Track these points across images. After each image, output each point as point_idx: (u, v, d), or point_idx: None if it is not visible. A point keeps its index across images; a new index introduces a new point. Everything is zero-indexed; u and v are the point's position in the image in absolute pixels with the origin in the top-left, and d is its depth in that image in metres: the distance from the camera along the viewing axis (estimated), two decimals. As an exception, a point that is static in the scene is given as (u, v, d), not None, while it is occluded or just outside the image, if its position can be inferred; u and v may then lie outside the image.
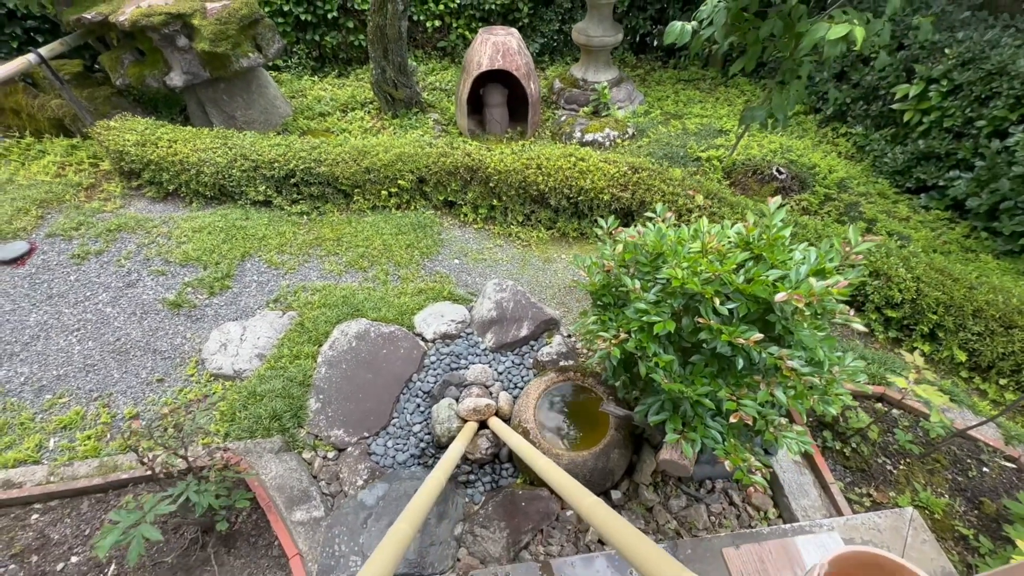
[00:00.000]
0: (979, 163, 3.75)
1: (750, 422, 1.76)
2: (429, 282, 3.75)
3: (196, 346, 3.36)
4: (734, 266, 1.86)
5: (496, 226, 4.16)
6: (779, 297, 1.65)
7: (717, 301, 1.78)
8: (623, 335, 2.02)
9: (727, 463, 1.88)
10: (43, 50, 4.34)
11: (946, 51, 4.00)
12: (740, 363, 1.79)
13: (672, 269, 1.88)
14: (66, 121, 4.92)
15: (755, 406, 1.79)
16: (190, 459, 2.27)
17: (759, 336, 1.70)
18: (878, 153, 4.52)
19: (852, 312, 1.88)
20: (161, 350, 3.34)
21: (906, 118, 4.27)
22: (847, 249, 1.88)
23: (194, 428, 2.14)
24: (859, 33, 2.44)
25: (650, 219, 2.42)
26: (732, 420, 1.76)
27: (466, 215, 4.18)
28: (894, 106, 4.37)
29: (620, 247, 2.15)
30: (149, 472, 2.36)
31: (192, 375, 3.19)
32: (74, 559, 2.38)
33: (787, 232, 1.97)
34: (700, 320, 1.82)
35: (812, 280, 1.72)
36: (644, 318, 1.94)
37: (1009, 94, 3.59)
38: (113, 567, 2.36)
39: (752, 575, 1.76)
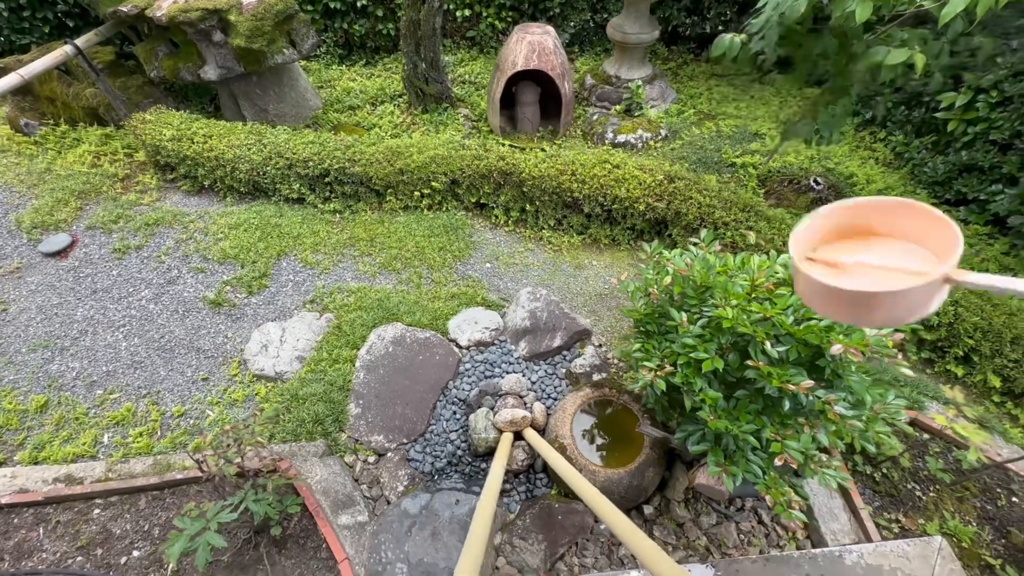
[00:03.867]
0: (1025, 179, 3.67)
1: (793, 464, 1.81)
2: (462, 286, 3.79)
3: (238, 346, 3.47)
4: (784, 307, 1.89)
5: (527, 229, 4.17)
6: (835, 350, 1.67)
7: (768, 344, 1.81)
8: (668, 367, 2.07)
9: (768, 498, 1.94)
10: (79, 41, 4.35)
11: (998, 60, 3.87)
12: (787, 405, 1.83)
13: (723, 309, 1.91)
14: (100, 110, 4.96)
15: (799, 448, 1.84)
16: (244, 466, 2.38)
17: (810, 383, 1.73)
18: (917, 162, 4.43)
19: (900, 356, 1.91)
20: (204, 349, 3.45)
21: (950, 128, 4.16)
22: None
23: (253, 441, 2.24)
24: (919, 60, 2.38)
25: (694, 244, 2.44)
26: (778, 463, 1.81)
27: (497, 217, 4.20)
28: (938, 114, 4.25)
29: (668, 279, 2.18)
30: (205, 476, 2.49)
31: (235, 375, 3.31)
32: (136, 553, 2.54)
33: (838, 272, 1.98)
34: (749, 362, 1.86)
35: (866, 329, 1.75)
36: (692, 354, 1.98)
37: (1063, 110, 3.49)
38: (173, 564, 2.51)
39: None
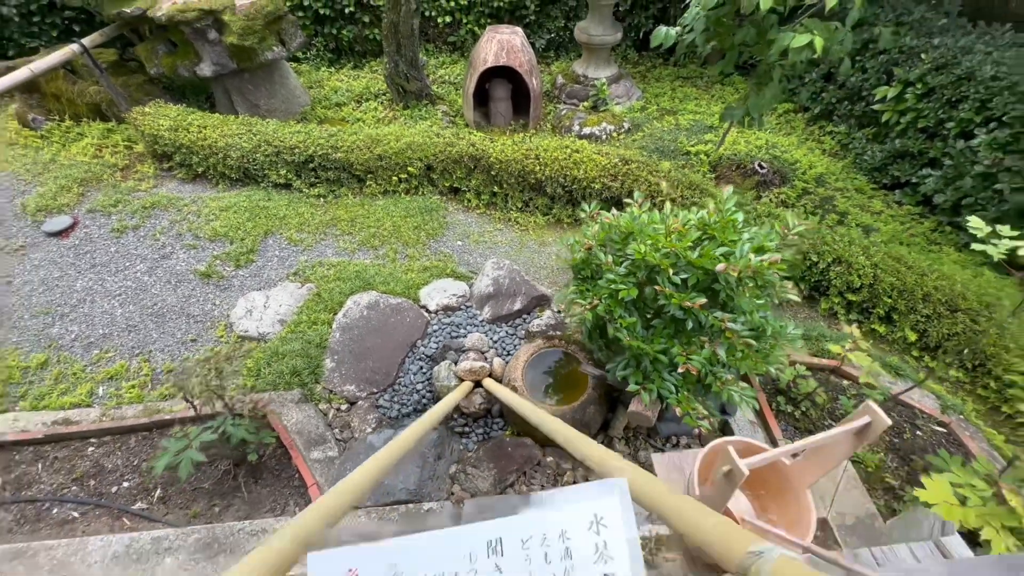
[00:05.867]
0: (947, 162, 4.03)
1: (695, 372, 2.10)
2: (434, 260, 4.11)
3: (224, 312, 3.76)
4: (689, 243, 2.20)
5: (497, 211, 4.50)
6: (719, 268, 1.99)
7: (671, 271, 2.12)
8: (596, 302, 2.37)
9: (678, 410, 2.23)
10: (85, 40, 4.73)
11: (922, 56, 4.27)
12: (690, 324, 2.14)
13: (637, 245, 2.22)
14: (103, 106, 5.31)
15: (701, 360, 2.14)
16: (230, 405, 2.66)
17: (703, 300, 2.04)
18: (859, 151, 4.80)
19: (790, 283, 2.22)
20: (194, 314, 3.74)
21: (884, 118, 4.54)
22: (785, 231, 2.21)
23: (231, 371, 2.52)
24: (818, 43, 2.74)
25: (628, 203, 2.77)
26: (680, 370, 2.11)
27: (469, 201, 4.53)
28: (875, 107, 4.64)
29: (597, 227, 2.50)
30: (192, 413, 2.77)
31: (222, 336, 3.59)
32: (126, 484, 2.80)
33: (739, 216, 2.30)
34: (658, 288, 2.17)
35: (751, 255, 2.06)
36: (613, 287, 2.29)
37: (975, 98, 3.86)
38: (159, 491, 2.77)
39: (670, 470, 2.13)
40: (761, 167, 4.34)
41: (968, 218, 1.99)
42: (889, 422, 1.14)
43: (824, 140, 5.12)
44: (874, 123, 4.81)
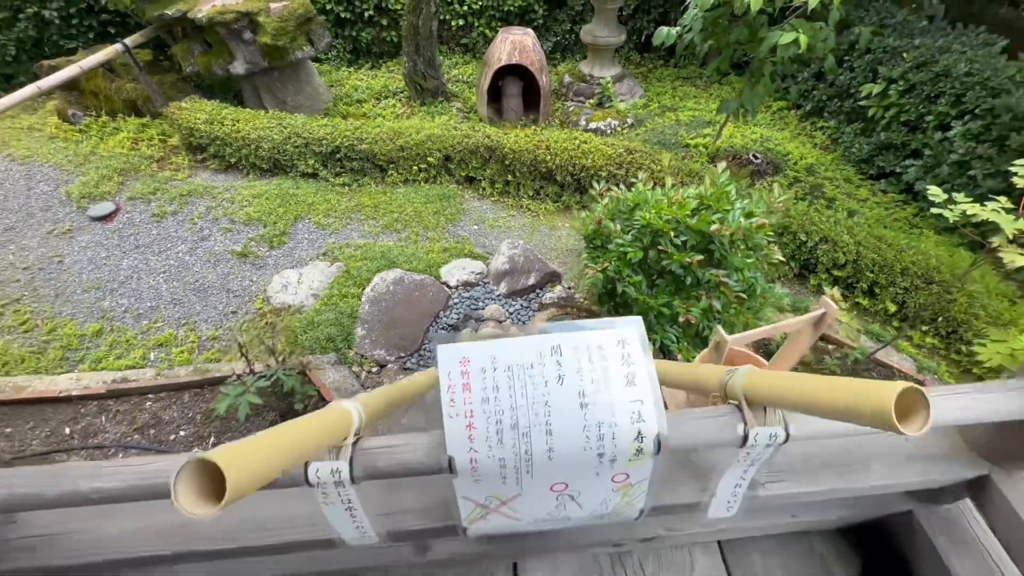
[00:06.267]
0: (927, 152, 4.36)
1: (694, 322, 2.42)
2: (452, 242, 4.44)
3: (261, 287, 4.08)
4: (688, 211, 2.53)
5: (510, 199, 4.84)
6: (712, 228, 2.32)
7: (673, 235, 2.45)
8: (607, 264, 2.69)
9: (679, 357, 2.55)
10: (128, 40, 5.08)
11: (904, 55, 4.61)
12: (689, 281, 2.46)
13: (643, 213, 2.55)
14: (139, 102, 5.66)
15: (699, 311, 2.45)
16: (277, 355, 2.98)
17: (700, 257, 2.37)
18: (848, 144, 5.14)
19: (776, 247, 2.54)
20: (233, 289, 4.06)
21: (870, 113, 4.88)
22: (771, 200, 2.54)
23: (281, 328, 2.84)
24: (803, 40, 3.08)
25: (634, 183, 3.10)
26: (681, 320, 2.43)
27: (484, 189, 4.87)
28: (861, 103, 4.98)
29: (607, 201, 2.82)
30: (245, 369, 3.08)
31: (260, 308, 3.91)
32: (182, 433, 3.11)
33: (731, 188, 2.63)
34: (661, 249, 2.49)
35: (742, 219, 2.39)
36: (621, 249, 2.61)
37: (951, 93, 4.20)
38: (213, 439, 3.09)
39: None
40: (755, 158, 4.68)
41: (928, 186, 2.31)
42: (837, 309, 1.45)
43: (815, 135, 5.46)
44: (861, 118, 5.15)
